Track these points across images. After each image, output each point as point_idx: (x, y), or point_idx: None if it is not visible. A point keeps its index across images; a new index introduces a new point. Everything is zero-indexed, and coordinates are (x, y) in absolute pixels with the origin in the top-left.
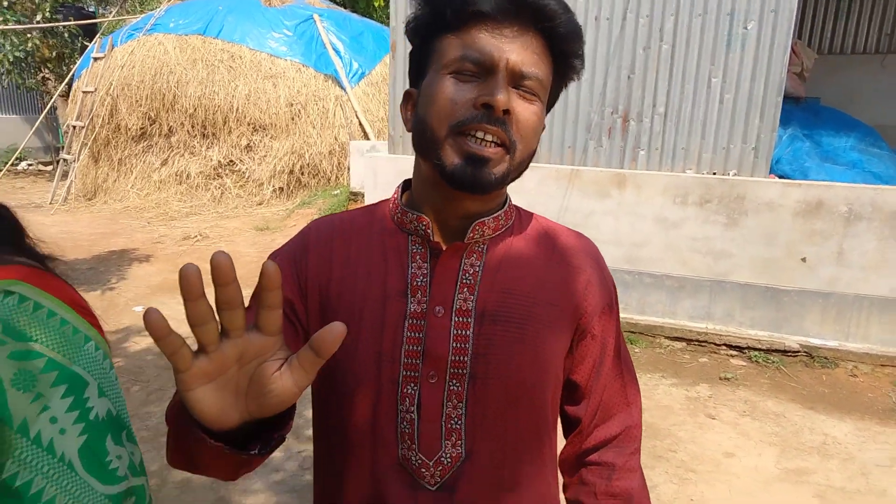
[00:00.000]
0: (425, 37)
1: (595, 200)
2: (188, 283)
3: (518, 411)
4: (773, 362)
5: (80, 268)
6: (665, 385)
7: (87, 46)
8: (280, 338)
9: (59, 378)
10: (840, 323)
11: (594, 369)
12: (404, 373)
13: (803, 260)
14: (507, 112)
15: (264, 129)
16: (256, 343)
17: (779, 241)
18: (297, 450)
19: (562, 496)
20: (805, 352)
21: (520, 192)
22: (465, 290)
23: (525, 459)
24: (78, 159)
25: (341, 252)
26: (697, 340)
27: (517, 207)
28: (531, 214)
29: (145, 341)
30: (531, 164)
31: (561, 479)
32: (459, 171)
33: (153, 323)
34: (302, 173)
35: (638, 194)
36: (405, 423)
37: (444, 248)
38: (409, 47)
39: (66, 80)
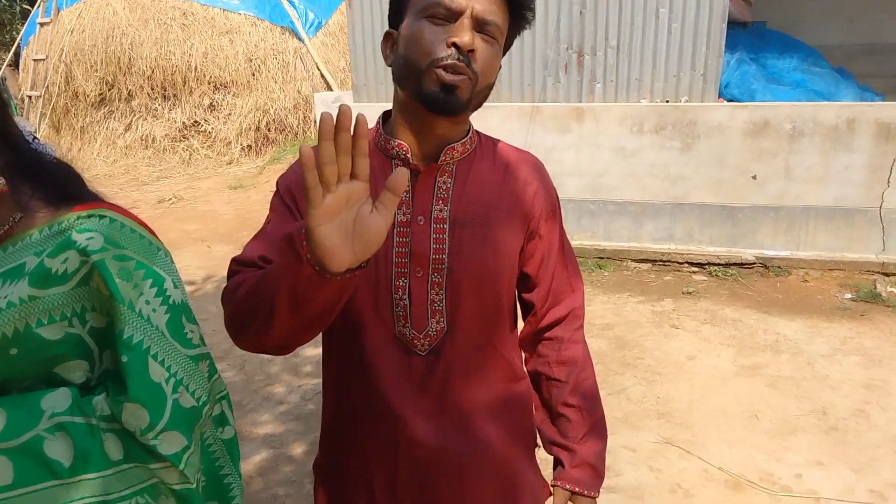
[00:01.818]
0: None
1: (556, 135)
2: (323, 125)
3: (484, 294)
4: (732, 275)
5: None
6: (633, 303)
7: (28, 11)
8: (368, 185)
9: (146, 274)
10: (791, 234)
11: (543, 262)
12: (396, 269)
13: (754, 177)
14: (471, 51)
15: (226, 87)
16: (357, 187)
17: (730, 162)
18: (297, 384)
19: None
20: (760, 263)
21: (485, 131)
22: (440, 202)
23: (492, 331)
24: (38, 130)
25: None
26: (661, 261)
27: (479, 133)
28: (490, 139)
29: None
30: (495, 104)
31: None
32: (435, 95)
33: (305, 155)
34: (269, 129)
35: (596, 126)
36: (399, 307)
37: (421, 169)
38: None
39: (13, 49)
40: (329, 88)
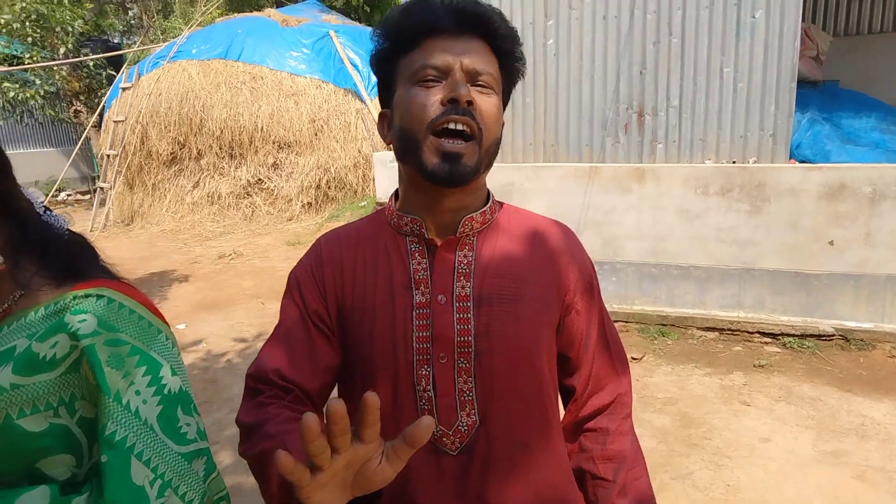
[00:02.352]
0: (389, 61)
1: (616, 196)
2: (307, 430)
3: (520, 379)
4: (808, 347)
5: None
6: (698, 375)
7: (114, 77)
8: (379, 441)
9: (140, 360)
10: (873, 304)
11: (582, 343)
12: (417, 356)
13: (830, 243)
14: (470, 103)
15: (289, 146)
16: (360, 452)
17: (804, 226)
18: None
19: None
20: (840, 335)
21: (541, 193)
22: (462, 278)
23: (532, 420)
24: (114, 187)
25: (350, 259)
26: (730, 329)
27: (500, 202)
28: (513, 207)
29: (190, 357)
30: (551, 164)
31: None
32: (438, 168)
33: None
34: (329, 187)
35: (658, 187)
36: (423, 400)
37: (438, 243)
38: None
39: (98, 111)
40: (388, 148)
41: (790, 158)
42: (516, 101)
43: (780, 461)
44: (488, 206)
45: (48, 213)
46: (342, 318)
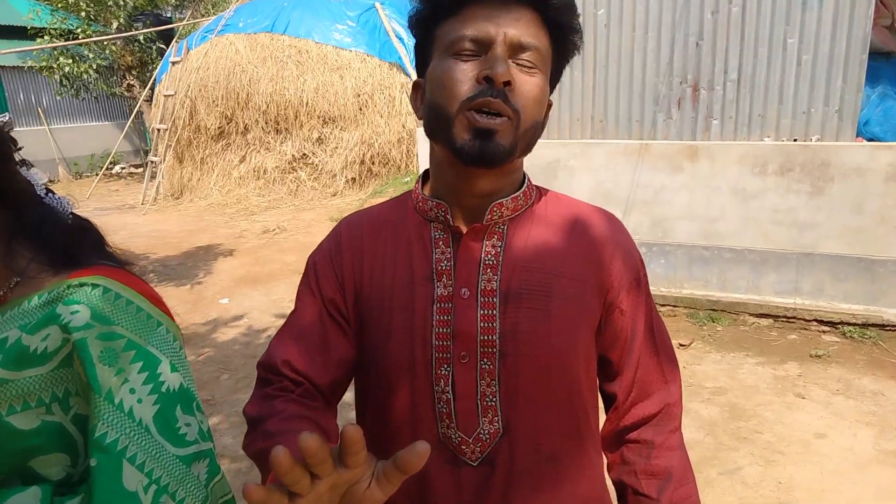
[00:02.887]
0: (427, 27)
1: (667, 174)
2: (278, 465)
3: (551, 386)
4: (870, 337)
5: (170, 264)
6: (750, 364)
7: (164, 51)
8: (367, 464)
9: (137, 356)
10: None
11: (626, 345)
12: (437, 354)
13: None
14: (507, 84)
15: (334, 121)
16: (345, 476)
17: (870, 209)
18: None
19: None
20: None
21: (588, 170)
22: (489, 270)
23: (563, 433)
24: (164, 161)
25: (371, 245)
26: (785, 317)
27: (538, 187)
28: (553, 193)
29: (232, 332)
30: (599, 141)
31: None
32: (469, 145)
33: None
34: (373, 163)
35: (712, 166)
36: (442, 402)
37: (464, 231)
38: None
39: (149, 85)
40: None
41: (857, 136)
42: (564, 74)
43: (836, 459)
44: (522, 191)
45: (50, 195)
46: (359, 309)
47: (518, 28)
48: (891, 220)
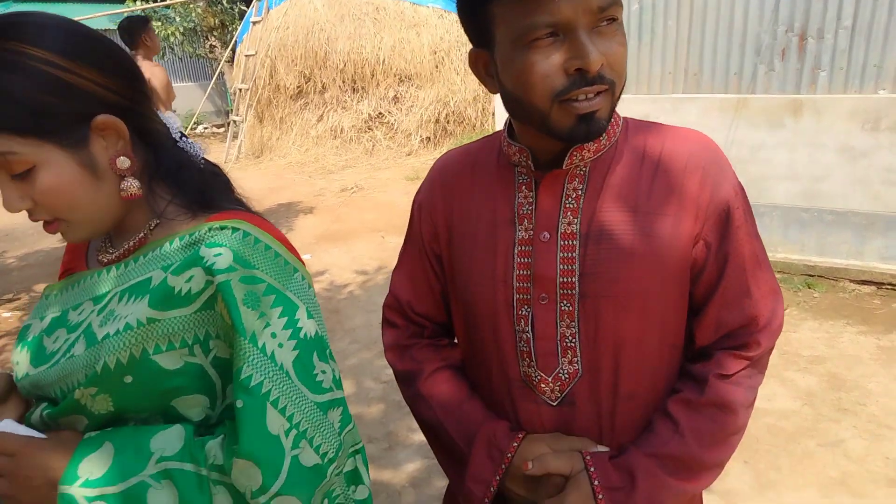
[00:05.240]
0: (481, 2)
1: (765, 131)
2: None
3: (630, 326)
4: None
5: None
6: (851, 333)
7: (245, 12)
8: None
9: (277, 300)
10: None
11: (711, 284)
12: (517, 296)
13: None
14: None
15: (410, 79)
16: None
17: None
18: None
19: None
20: None
21: (681, 124)
22: (569, 213)
23: (643, 372)
24: (245, 120)
25: (460, 186)
26: (891, 284)
27: (627, 120)
28: (638, 123)
29: (315, 287)
30: (693, 95)
31: None
32: (574, 130)
33: None
34: (448, 122)
35: (818, 122)
36: (522, 342)
37: (545, 175)
38: None
39: (230, 45)
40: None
41: None
42: (656, 24)
43: None
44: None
45: (184, 139)
46: (450, 247)
47: None
48: None
